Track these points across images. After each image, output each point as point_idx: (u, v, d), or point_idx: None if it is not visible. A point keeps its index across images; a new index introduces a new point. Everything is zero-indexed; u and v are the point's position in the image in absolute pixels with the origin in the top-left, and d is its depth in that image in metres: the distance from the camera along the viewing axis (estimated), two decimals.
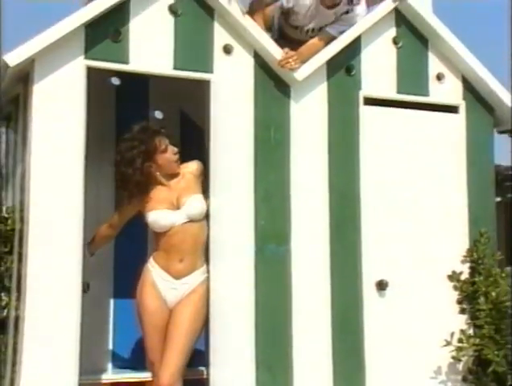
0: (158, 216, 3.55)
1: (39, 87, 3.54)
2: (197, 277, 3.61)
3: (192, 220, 3.58)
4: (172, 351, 3.43)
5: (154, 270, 3.57)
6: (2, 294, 3.71)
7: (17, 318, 3.57)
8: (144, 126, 3.73)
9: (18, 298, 3.57)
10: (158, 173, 3.63)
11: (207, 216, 3.67)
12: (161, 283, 3.55)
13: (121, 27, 3.70)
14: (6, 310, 3.71)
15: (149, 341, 3.55)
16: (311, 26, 4.37)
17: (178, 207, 3.60)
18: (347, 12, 4.20)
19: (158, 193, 3.64)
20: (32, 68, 3.54)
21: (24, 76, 3.70)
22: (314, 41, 4.16)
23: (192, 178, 3.71)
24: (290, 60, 3.90)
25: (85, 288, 3.50)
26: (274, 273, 3.88)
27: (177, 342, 3.45)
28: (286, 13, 4.40)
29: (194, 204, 3.61)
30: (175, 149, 3.70)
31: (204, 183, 3.76)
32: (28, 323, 3.39)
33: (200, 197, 3.65)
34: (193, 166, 3.75)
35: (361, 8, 4.24)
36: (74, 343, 3.39)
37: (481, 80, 4.36)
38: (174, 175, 3.70)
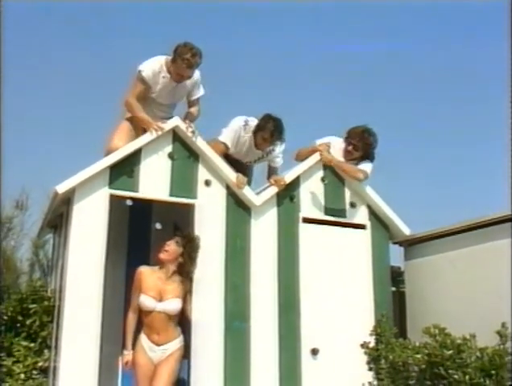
0: (145, 300, 4.03)
1: (77, 207, 4.23)
2: (174, 344, 4.08)
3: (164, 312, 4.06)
4: None
5: (143, 338, 4.07)
6: (45, 351, 4.27)
7: (55, 368, 4.13)
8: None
9: (56, 354, 4.14)
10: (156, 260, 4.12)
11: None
12: (147, 347, 4.05)
13: (134, 168, 4.42)
14: (47, 362, 4.26)
15: None
16: (248, 160, 5.16)
17: (161, 300, 4.06)
18: (273, 150, 5.03)
19: (151, 282, 4.08)
20: (73, 194, 4.23)
21: (67, 200, 4.41)
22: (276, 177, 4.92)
23: (183, 287, 4.15)
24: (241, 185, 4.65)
25: (100, 349, 4.02)
26: (238, 342, 4.45)
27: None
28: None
29: (172, 305, 4.07)
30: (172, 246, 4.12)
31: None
32: (63, 371, 3.95)
33: (178, 300, 4.10)
34: (187, 282, 4.17)
35: (279, 149, 5.06)
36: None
37: (380, 207, 5.08)
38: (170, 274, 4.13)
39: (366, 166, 5.12)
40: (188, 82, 4.95)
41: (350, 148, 5.14)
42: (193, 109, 5.08)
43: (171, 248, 4.16)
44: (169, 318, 4.07)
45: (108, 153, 4.51)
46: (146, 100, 4.89)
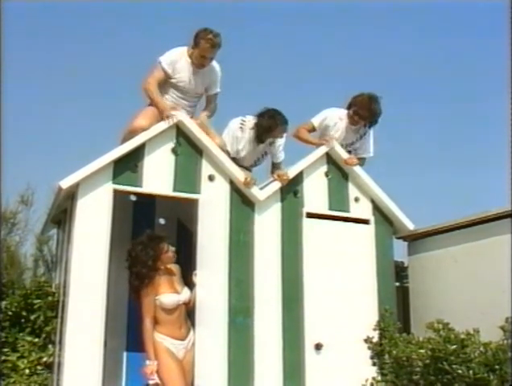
0: (169, 297, 4.03)
1: (81, 202, 4.20)
2: (192, 333, 4.16)
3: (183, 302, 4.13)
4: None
5: (164, 341, 3.99)
6: (50, 346, 4.27)
7: (59, 363, 4.11)
8: (152, 235, 4.17)
9: (60, 349, 4.12)
10: (162, 267, 4.12)
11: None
12: (174, 348, 4.01)
13: (138, 163, 4.40)
14: (51, 357, 4.25)
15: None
16: (246, 164, 5.08)
17: (177, 293, 4.09)
18: (273, 142, 4.99)
19: (163, 281, 4.09)
20: (77, 189, 4.21)
21: (71, 195, 4.39)
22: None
23: (179, 275, 4.24)
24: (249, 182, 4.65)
25: (104, 344, 4.01)
26: (242, 337, 4.43)
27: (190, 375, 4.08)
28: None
29: (188, 294, 4.15)
30: (173, 248, 4.20)
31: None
32: (67, 367, 3.94)
33: (186, 288, 4.18)
34: (178, 268, 4.25)
35: (279, 142, 5.02)
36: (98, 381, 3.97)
37: (384, 202, 5.06)
38: (169, 268, 4.17)
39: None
40: (209, 73, 5.02)
41: (356, 118, 5.26)
42: (210, 107, 5.15)
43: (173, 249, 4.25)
44: (184, 307, 4.13)
45: (130, 132, 4.52)
46: (168, 90, 4.96)
